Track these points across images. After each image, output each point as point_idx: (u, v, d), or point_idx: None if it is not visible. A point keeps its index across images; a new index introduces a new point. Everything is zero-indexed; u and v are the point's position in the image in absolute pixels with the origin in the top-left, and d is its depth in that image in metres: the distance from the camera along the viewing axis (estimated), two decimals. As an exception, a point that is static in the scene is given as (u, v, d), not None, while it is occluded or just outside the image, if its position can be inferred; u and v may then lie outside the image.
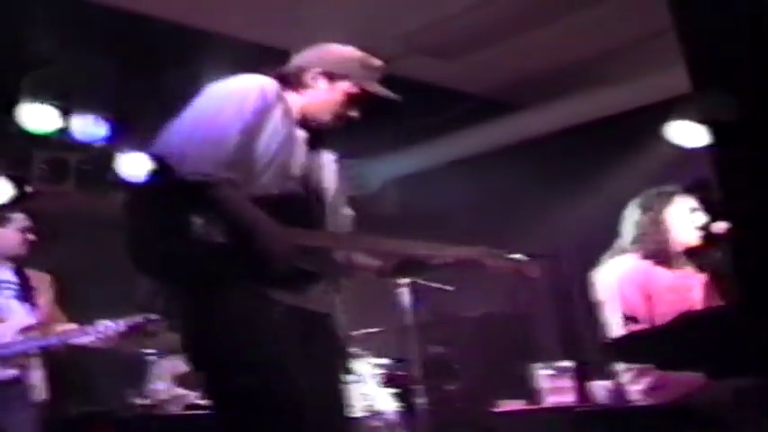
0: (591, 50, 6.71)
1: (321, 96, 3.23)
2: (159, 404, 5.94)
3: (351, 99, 3.24)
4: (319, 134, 3.26)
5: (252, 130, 3.01)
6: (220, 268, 2.87)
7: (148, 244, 2.89)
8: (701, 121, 1.78)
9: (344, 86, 3.23)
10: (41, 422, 5.12)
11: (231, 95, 3.04)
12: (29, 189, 6.92)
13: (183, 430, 5.64)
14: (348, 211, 3.38)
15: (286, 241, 2.92)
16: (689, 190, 4.43)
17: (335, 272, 3.20)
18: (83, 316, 5.22)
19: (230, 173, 2.90)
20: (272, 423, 2.82)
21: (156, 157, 2.91)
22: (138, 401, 5.97)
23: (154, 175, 2.92)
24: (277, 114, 3.09)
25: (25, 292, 5.07)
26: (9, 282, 5.07)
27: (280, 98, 3.13)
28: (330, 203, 3.23)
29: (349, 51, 3.31)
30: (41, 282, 5.22)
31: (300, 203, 3.09)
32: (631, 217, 4.46)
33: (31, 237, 5.15)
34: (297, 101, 3.21)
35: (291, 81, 3.23)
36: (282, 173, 3.05)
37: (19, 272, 5.14)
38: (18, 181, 6.86)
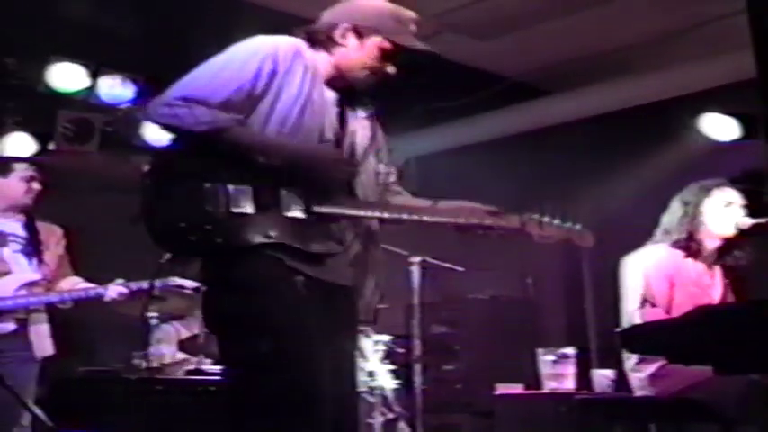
0: (626, 39, 6.47)
1: (352, 54, 2.98)
2: (162, 368, 5.69)
3: (384, 54, 2.98)
4: (352, 93, 3.04)
5: (255, 92, 2.82)
6: (243, 238, 2.71)
7: (166, 217, 2.73)
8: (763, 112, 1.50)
9: (376, 41, 2.97)
10: (47, 378, 4.96)
11: (235, 58, 2.86)
12: (51, 146, 6.66)
13: (184, 394, 5.38)
14: (382, 168, 3.13)
15: (324, 152, 2.87)
16: (733, 181, 4.28)
17: (367, 237, 3.03)
18: (93, 275, 5.04)
19: (232, 115, 2.78)
20: (284, 392, 2.67)
21: (153, 121, 2.81)
22: (142, 364, 5.72)
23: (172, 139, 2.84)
24: (296, 76, 2.88)
25: (32, 247, 4.84)
26: (16, 235, 4.84)
27: (299, 59, 2.92)
28: (364, 166, 3.03)
29: (379, 4, 3.05)
30: (51, 235, 4.99)
31: None
32: (672, 210, 4.39)
33: (36, 186, 4.88)
34: (328, 60, 3.00)
35: (321, 39, 3.00)
36: (313, 138, 2.88)
37: (28, 225, 4.90)
38: (41, 138, 6.63)
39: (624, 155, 7.31)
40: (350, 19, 2.98)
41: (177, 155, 2.82)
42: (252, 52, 2.85)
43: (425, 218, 3.03)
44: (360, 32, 2.97)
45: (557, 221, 3.00)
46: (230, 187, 2.73)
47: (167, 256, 4.24)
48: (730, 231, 4.24)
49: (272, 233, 2.73)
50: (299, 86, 2.87)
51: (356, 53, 2.97)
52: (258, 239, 2.71)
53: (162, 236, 2.74)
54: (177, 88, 2.79)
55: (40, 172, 4.94)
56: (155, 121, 2.80)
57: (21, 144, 6.59)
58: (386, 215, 3.06)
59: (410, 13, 3.04)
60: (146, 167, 2.80)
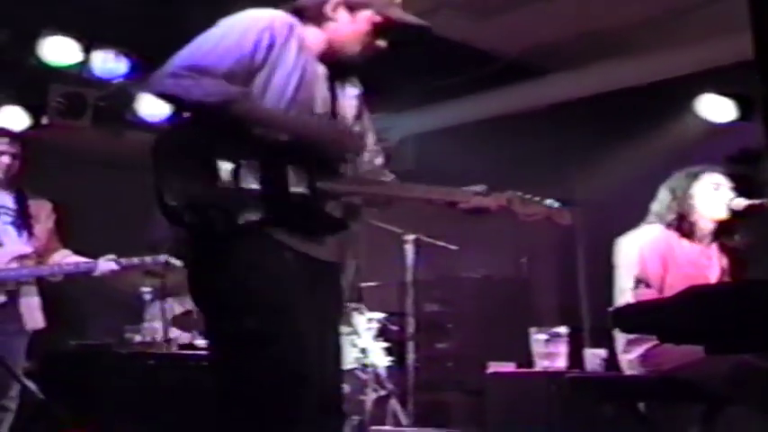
0: (623, 19, 6.38)
1: (344, 28, 2.97)
2: (154, 342, 5.69)
3: (376, 28, 2.97)
4: (342, 68, 3.03)
5: (254, 64, 2.80)
6: (247, 215, 2.70)
7: (173, 190, 2.69)
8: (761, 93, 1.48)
9: (367, 15, 2.96)
10: (37, 351, 4.98)
11: (233, 29, 2.83)
12: (44, 120, 6.62)
13: (176, 369, 5.40)
14: (373, 149, 3.15)
15: (331, 127, 2.88)
16: (730, 160, 4.28)
17: (354, 217, 3.03)
18: (84, 249, 5.01)
19: (239, 87, 2.76)
20: (270, 366, 2.66)
21: (160, 93, 2.77)
22: (134, 338, 5.73)
23: (173, 114, 2.71)
24: (291, 50, 2.86)
25: (23, 220, 4.82)
26: (7, 207, 4.82)
27: (293, 33, 2.90)
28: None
29: None
30: (41, 210, 4.97)
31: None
32: (660, 198, 4.39)
33: (5, 160, 4.82)
34: (319, 35, 2.97)
35: (311, 15, 2.98)
36: (306, 112, 2.86)
37: (19, 199, 4.88)
38: (34, 111, 6.60)
39: (620, 135, 7.29)
40: None
41: (185, 129, 2.82)
42: (249, 24, 2.83)
43: (420, 195, 3.06)
44: (351, 6, 2.96)
45: (538, 199, 3.06)
46: (240, 162, 2.72)
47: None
48: (722, 213, 4.24)
49: (274, 210, 2.72)
50: (294, 60, 2.85)
51: (348, 27, 2.96)
52: (259, 216, 2.71)
53: (174, 212, 2.70)
54: (180, 59, 2.76)
55: (20, 146, 4.89)
56: (159, 93, 2.77)
57: (13, 118, 6.57)
58: (386, 192, 3.09)
59: None
60: (154, 141, 2.77)
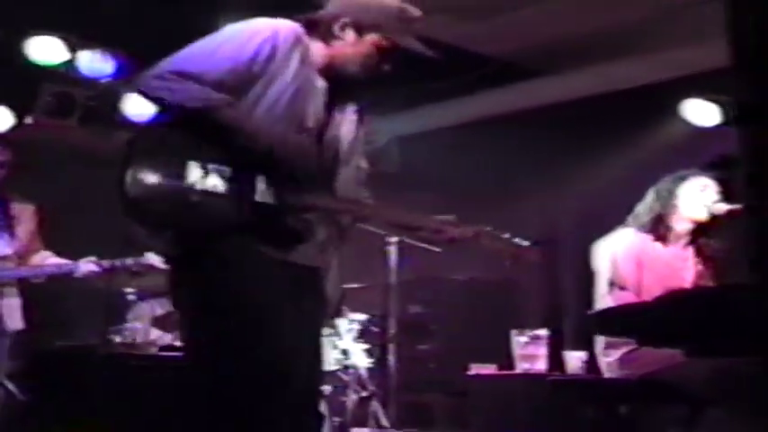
0: (611, 22, 6.36)
1: (348, 48, 2.93)
2: (135, 344, 5.65)
3: (381, 52, 2.93)
4: (343, 85, 2.99)
5: (250, 74, 2.77)
6: (216, 217, 2.70)
7: (138, 184, 2.67)
8: (736, 99, 1.49)
9: (374, 39, 2.92)
10: (21, 351, 4.99)
11: (235, 37, 2.81)
12: (29, 120, 6.56)
13: (158, 370, 5.35)
14: (363, 164, 3.10)
15: (301, 145, 2.79)
16: (710, 165, 4.30)
17: (337, 228, 3.00)
18: (69, 250, 5.02)
19: (223, 95, 2.72)
20: (250, 372, 2.65)
21: (144, 93, 2.74)
22: (116, 339, 5.69)
23: (156, 113, 2.78)
24: (293, 62, 2.84)
25: (4, 221, 4.82)
26: None
27: (298, 45, 2.87)
28: (343, 159, 2.98)
29: (386, 1, 2.98)
30: (23, 212, 4.97)
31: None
32: (646, 200, 4.39)
33: None
34: (323, 51, 2.94)
35: (320, 29, 2.95)
36: (295, 125, 2.83)
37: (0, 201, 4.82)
38: (19, 110, 6.53)
39: (606, 139, 7.28)
40: (352, 13, 2.92)
41: (160, 129, 2.78)
42: (251, 34, 2.80)
43: (388, 217, 3.08)
44: (359, 28, 2.91)
45: (507, 236, 3.04)
46: (210, 166, 2.69)
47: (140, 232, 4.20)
48: (702, 215, 4.25)
49: (244, 215, 2.71)
50: (293, 73, 2.82)
51: (352, 48, 2.92)
52: (229, 221, 2.70)
53: (138, 209, 2.69)
54: (171, 62, 2.74)
55: (8, 153, 4.88)
56: (144, 93, 2.74)
57: None
58: (354, 210, 3.03)
59: (416, 13, 2.98)
60: (129, 138, 2.75)
